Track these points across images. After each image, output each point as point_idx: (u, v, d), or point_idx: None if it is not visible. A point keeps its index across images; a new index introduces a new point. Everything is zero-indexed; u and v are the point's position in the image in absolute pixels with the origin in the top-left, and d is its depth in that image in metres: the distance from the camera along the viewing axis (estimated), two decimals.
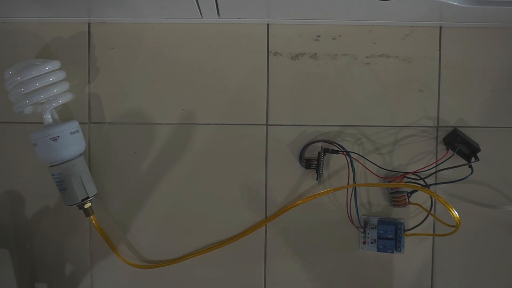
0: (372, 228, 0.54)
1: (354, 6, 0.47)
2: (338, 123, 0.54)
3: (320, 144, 0.53)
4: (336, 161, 0.54)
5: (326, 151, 0.52)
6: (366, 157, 0.54)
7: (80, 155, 0.51)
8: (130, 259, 0.55)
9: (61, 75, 0.50)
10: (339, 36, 0.54)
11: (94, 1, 0.47)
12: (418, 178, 0.52)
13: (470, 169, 0.50)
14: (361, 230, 0.54)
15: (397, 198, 0.52)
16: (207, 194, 0.54)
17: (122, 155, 0.54)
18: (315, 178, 0.52)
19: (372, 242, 0.54)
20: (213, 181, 0.54)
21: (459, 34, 0.54)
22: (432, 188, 0.53)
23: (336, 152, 0.52)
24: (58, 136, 0.48)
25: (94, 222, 0.52)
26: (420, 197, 0.53)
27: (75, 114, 0.54)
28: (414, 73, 0.54)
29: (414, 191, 0.52)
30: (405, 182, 0.53)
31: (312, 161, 0.52)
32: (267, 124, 0.54)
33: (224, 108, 0.54)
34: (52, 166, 0.49)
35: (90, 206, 0.51)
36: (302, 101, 0.54)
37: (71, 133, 0.50)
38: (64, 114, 0.54)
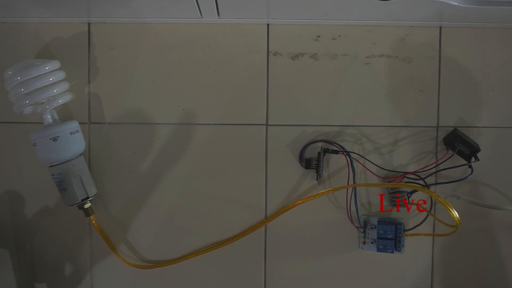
0: (372, 228, 0.54)
1: (354, 6, 0.47)
2: (338, 123, 0.54)
3: (320, 144, 0.53)
4: (336, 161, 0.54)
5: (326, 151, 0.52)
6: (366, 157, 0.54)
7: (80, 155, 0.51)
8: (130, 259, 0.55)
9: (61, 75, 0.50)
10: (339, 36, 0.54)
11: (94, 1, 0.47)
12: (418, 178, 0.52)
13: (470, 169, 0.50)
14: (361, 230, 0.54)
15: (397, 198, 0.52)
16: (207, 194, 0.54)
17: (122, 155, 0.54)
18: (315, 178, 0.52)
19: (372, 242, 0.54)
20: (213, 181, 0.54)
21: (459, 34, 0.54)
22: (432, 188, 0.53)
23: (336, 152, 0.52)
24: (58, 136, 0.48)
25: (94, 222, 0.52)
26: (420, 197, 0.53)
27: (75, 114, 0.54)
28: (414, 73, 0.54)
29: (414, 191, 0.52)
30: (405, 182, 0.53)
31: (312, 161, 0.52)
32: (267, 124, 0.54)
33: (224, 108, 0.54)
34: (52, 166, 0.49)
35: (90, 206, 0.52)
36: (302, 101, 0.54)
37: (71, 133, 0.50)
38: (64, 114, 0.54)
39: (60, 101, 0.50)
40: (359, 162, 0.53)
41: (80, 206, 0.51)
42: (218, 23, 0.53)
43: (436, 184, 0.53)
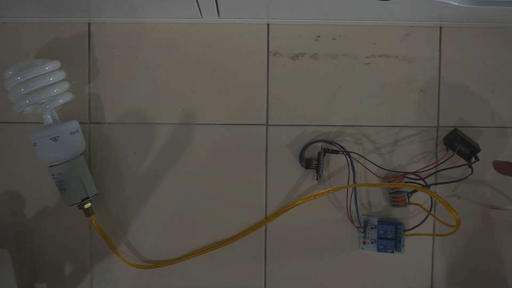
0: (372, 228, 0.54)
1: (354, 6, 0.47)
2: (338, 123, 0.54)
3: (320, 144, 0.53)
4: (336, 161, 0.54)
5: (326, 151, 0.52)
6: (366, 157, 0.54)
7: (80, 155, 0.51)
8: (130, 259, 0.55)
9: (61, 75, 0.50)
10: (339, 36, 0.54)
11: (94, 1, 0.47)
12: (418, 178, 0.52)
13: (470, 169, 0.50)
14: (361, 230, 0.54)
15: (397, 198, 0.52)
16: (207, 194, 0.54)
17: (122, 155, 0.54)
18: (315, 178, 0.52)
19: (372, 242, 0.54)
20: (213, 181, 0.54)
21: (459, 34, 0.54)
22: (432, 188, 0.53)
23: (336, 152, 0.52)
24: (58, 136, 0.48)
25: (94, 222, 0.52)
26: (420, 197, 0.53)
27: (75, 114, 0.54)
28: (414, 73, 0.54)
29: (414, 191, 0.52)
30: (405, 182, 0.53)
31: (312, 161, 0.52)
32: (267, 124, 0.54)
33: (224, 108, 0.54)
34: (52, 166, 0.49)
35: (90, 206, 0.52)
36: (302, 101, 0.54)
37: (71, 133, 0.50)
38: (64, 114, 0.54)
39: (60, 101, 0.50)
40: (359, 162, 0.53)
41: (80, 206, 0.51)
42: (218, 23, 0.53)
43: (436, 184, 0.53)
